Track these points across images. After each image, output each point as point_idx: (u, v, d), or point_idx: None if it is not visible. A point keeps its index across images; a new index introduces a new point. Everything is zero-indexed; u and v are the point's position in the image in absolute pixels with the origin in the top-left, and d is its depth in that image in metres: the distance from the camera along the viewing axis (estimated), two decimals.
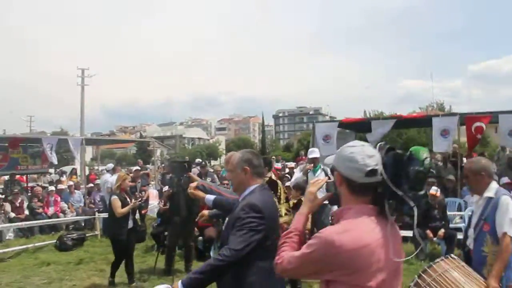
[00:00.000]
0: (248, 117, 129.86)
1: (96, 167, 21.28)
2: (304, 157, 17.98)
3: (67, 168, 21.38)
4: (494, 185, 3.65)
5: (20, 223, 10.93)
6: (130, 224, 7.06)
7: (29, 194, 13.42)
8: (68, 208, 12.67)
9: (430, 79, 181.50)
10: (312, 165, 7.92)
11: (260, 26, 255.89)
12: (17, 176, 14.70)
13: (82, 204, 13.02)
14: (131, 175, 11.25)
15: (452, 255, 3.37)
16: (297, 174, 11.13)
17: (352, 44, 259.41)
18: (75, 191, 13.42)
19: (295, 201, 6.55)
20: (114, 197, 6.89)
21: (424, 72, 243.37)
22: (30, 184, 15.89)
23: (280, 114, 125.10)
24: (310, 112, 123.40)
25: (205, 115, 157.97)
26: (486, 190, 3.62)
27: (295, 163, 15.31)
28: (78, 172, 18.39)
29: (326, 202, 2.16)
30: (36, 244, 9.35)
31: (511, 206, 3.48)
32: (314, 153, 7.98)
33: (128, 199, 7.02)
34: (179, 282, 2.68)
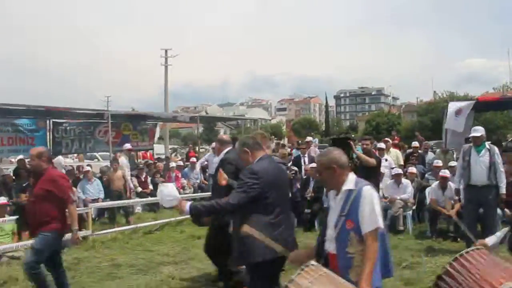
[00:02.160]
0: (308, 97, 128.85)
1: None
2: (397, 138, 17.56)
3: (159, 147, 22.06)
4: (351, 176, 3.20)
5: (149, 199, 11.30)
6: None
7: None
8: (186, 184, 12.98)
9: (496, 58, 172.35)
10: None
11: (316, 3, 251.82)
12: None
13: (198, 181, 13.33)
14: None
15: (313, 262, 2.97)
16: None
17: (416, 22, 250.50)
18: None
19: None
20: None
21: (488, 50, 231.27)
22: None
23: (342, 95, 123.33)
24: (372, 93, 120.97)
25: (262, 95, 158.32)
26: (344, 183, 3.16)
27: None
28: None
29: None
30: (178, 218, 9.60)
31: (375, 197, 3.08)
32: (477, 131, 7.62)
33: None
34: (188, 204, 3.73)
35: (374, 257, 2.96)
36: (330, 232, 3.19)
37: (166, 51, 32.99)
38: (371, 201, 3.03)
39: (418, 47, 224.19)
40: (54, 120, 13.75)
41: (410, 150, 12.24)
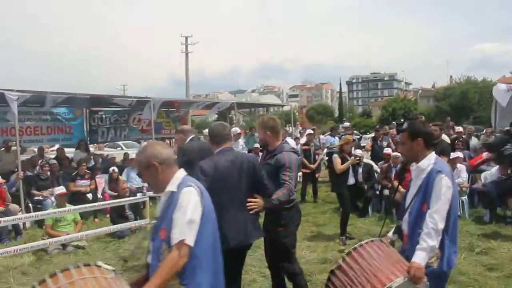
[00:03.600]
0: (320, 83, 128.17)
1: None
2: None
3: None
4: (179, 174, 2.66)
5: None
6: (351, 180, 8.18)
7: None
8: None
9: (509, 42, 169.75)
10: None
11: None
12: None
13: None
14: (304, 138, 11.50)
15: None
16: None
17: (427, 6, 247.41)
18: None
19: None
20: (335, 155, 7.41)
21: (501, 35, 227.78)
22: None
23: (354, 81, 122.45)
24: (385, 78, 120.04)
25: (272, 82, 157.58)
26: (168, 183, 2.62)
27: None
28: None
29: None
30: None
31: (193, 203, 2.52)
32: None
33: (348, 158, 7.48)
34: None
35: (167, 274, 2.40)
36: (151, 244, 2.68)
37: (186, 38, 33.03)
38: (184, 208, 2.48)
39: (429, 31, 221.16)
40: (90, 108, 13.71)
41: (455, 136, 12.07)
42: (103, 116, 14.11)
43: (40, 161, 10.60)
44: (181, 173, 2.68)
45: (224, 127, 4.02)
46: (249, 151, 12.41)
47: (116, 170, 10.39)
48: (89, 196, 9.81)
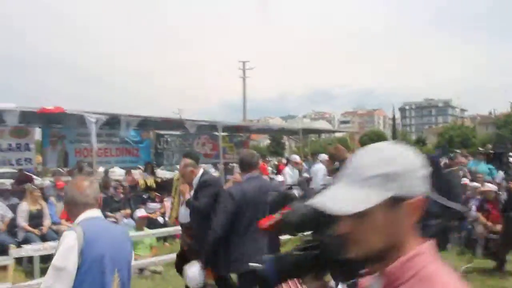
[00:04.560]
0: (372, 109, 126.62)
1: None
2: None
3: None
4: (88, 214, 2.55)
5: None
6: None
7: None
8: None
9: None
10: None
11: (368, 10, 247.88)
12: None
13: None
14: None
15: None
16: None
17: (478, 30, 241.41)
18: None
19: None
20: None
21: None
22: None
23: (407, 107, 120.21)
24: (439, 105, 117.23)
25: (322, 107, 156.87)
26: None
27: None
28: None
29: None
30: None
31: (64, 247, 2.36)
32: None
33: None
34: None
35: None
36: None
37: (244, 63, 33.47)
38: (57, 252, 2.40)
39: (481, 54, 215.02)
40: (157, 131, 13.94)
41: None
42: (168, 139, 14.30)
43: (113, 183, 10.77)
44: (84, 215, 2.55)
45: (253, 156, 4.41)
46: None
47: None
48: (160, 219, 9.83)
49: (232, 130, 15.16)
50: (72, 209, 2.60)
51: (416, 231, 1.09)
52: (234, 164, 16.67)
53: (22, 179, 10.92)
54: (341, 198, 1.05)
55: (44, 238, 7.95)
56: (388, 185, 1.03)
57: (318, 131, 23.14)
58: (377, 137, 70.00)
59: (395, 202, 1.03)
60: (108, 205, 9.60)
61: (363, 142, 67.34)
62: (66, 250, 2.36)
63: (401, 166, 1.04)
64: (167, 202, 10.78)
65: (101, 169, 13.27)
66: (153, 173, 13.00)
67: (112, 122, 10.90)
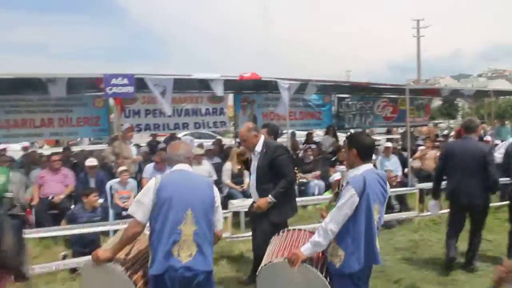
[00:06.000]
0: None
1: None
2: None
3: None
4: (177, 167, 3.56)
5: None
6: None
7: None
8: None
9: None
10: None
11: None
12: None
13: None
14: None
15: None
16: None
17: None
18: None
19: None
20: None
21: None
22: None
23: None
24: None
25: (502, 65, 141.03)
26: None
27: None
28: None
29: None
30: None
31: (145, 188, 3.39)
32: None
33: None
34: None
35: (121, 238, 3.30)
36: None
37: (418, 21, 31.68)
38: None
39: None
40: (338, 95, 14.08)
41: None
42: (349, 103, 14.36)
43: (303, 145, 11.25)
44: (174, 168, 3.44)
45: (472, 121, 5.43)
46: None
47: (374, 157, 10.37)
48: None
49: (417, 93, 14.52)
50: (169, 162, 3.55)
51: None
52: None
53: (219, 143, 12.85)
54: None
55: (245, 195, 8.71)
56: None
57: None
58: None
59: None
60: (301, 166, 10.08)
61: None
62: (145, 189, 3.28)
63: None
64: None
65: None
66: (335, 136, 13.27)
67: (299, 87, 11.26)
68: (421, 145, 12.04)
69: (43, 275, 5.87)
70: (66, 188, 8.34)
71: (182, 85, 9.99)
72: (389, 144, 11.03)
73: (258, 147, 5.11)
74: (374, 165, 9.86)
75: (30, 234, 6.47)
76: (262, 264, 3.69)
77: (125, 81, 7.36)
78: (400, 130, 17.01)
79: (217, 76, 8.69)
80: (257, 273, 3.71)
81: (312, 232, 3.70)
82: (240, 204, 7.37)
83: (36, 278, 5.78)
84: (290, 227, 4.47)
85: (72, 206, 7.67)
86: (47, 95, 8.14)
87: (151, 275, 3.20)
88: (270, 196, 4.93)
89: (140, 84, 7.93)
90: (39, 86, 7.91)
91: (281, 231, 4.18)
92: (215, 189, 3.49)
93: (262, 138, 5.18)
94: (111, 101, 10.03)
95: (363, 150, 3.42)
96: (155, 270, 3.17)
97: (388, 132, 18.83)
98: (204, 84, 9.59)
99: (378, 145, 11.57)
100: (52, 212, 8.02)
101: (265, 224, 5.02)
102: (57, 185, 8.31)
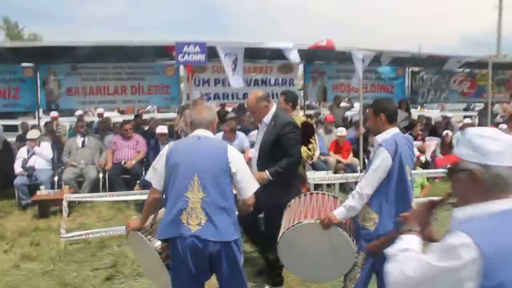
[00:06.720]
0: None
1: None
2: None
3: None
4: (196, 132, 3.61)
5: None
6: None
7: None
8: None
9: None
10: None
11: None
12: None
13: None
14: None
15: None
16: None
17: None
18: None
19: None
20: None
21: None
22: None
23: None
24: None
25: None
26: None
27: None
28: None
29: None
30: None
31: (159, 155, 3.47)
32: None
33: None
34: None
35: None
36: None
37: None
38: None
39: None
40: (412, 68, 13.47)
41: None
42: (424, 77, 13.69)
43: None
44: (195, 132, 3.37)
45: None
46: None
47: (450, 133, 9.87)
48: (422, 159, 9.59)
49: (500, 67, 13.55)
50: (191, 126, 3.46)
51: None
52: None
53: None
54: None
55: (314, 167, 8.53)
56: None
57: None
58: None
59: None
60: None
61: None
62: (159, 156, 3.30)
63: None
64: (431, 140, 10.48)
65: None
66: (407, 111, 12.72)
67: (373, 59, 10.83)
68: (501, 123, 11.33)
69: (115, 237, 6.04)
70: (138, 154, 8.56)
71: (253, 54, 9.84)
72: (469, 121, 10.46)
73: (267, 119, 4.54)
74: (451, 141, 9.59)
75: (104, 197, 6.68)
76: (288, 225, 3.56)
77: (197, 49, 7.28)
78: (477, 108, 16.14)
79: (289, 45, 8.48)
80: (282, 234, 3.57)
81: (335, 197, 3.85)
82: (312, 176, 7.20)
83: (108, 240, 5.97)
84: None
85: (144, 172, 7.84)
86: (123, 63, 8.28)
87: (161, 242, 3.23)
88: (267, 171, 4.36)
89: (211, 52, 7.87)
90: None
91: (303, 194, 4.02)
92: (233, 155, 3.27)
93: (273, 109, 4.61)
94: (182, 70, 10.09)
95: (391, 114, 3.44)
96: (159, 235, 3.17)
97: (466, 109, 17.94)
98: (275, 53, 9.38)
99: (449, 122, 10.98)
100: (124, 177, 8.28)
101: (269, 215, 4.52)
102: (129, 151, 8.56)
